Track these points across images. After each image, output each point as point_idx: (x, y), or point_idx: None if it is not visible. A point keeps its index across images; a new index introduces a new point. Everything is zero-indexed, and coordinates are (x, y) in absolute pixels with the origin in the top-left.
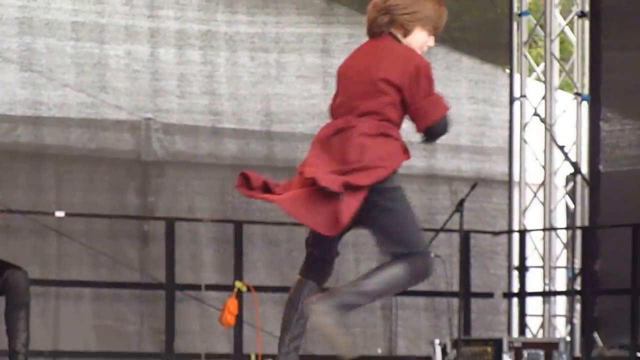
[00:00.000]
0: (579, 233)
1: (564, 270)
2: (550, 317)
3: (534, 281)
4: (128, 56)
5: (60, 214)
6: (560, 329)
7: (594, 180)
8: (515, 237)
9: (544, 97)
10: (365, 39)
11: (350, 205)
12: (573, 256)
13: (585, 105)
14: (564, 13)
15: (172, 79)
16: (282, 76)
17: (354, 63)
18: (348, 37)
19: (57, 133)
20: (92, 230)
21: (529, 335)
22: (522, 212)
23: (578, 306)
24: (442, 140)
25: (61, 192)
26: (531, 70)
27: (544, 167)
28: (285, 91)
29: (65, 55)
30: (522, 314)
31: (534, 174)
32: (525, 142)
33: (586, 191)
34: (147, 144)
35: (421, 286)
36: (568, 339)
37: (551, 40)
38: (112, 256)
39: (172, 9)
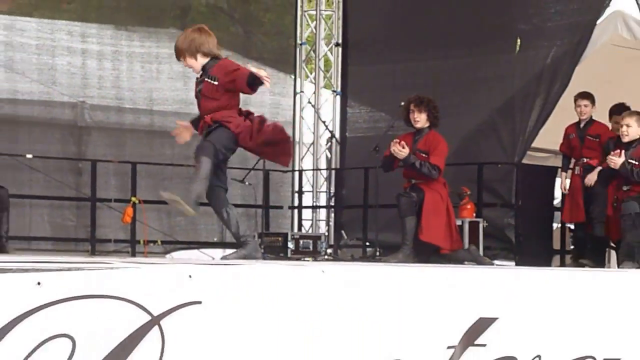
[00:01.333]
0: (333, 172)
1: (324, 194)
2: (316, 221)
3: (307, 199)
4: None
5: (29, 155)
6: (322, 228)
7: (343, 142)
8: (296, 174)
9: (314, 92)
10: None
11: None
12: (329, 185)
13: (338, 98)
14: (327, 43)
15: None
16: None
17: None
18: None
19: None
20: (49, 165)
21: (303, 231)
22: (301, 159)
23: (332, 215)
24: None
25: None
26: (307, 77)
27: (314, 133)
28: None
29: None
30: (300, 219)
31: (308, 137)
32: (302, 118)
33: (338, 148)
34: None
35: (241, 201)
36: (326, 234)
37: (319, 59)
38: (60, 181)
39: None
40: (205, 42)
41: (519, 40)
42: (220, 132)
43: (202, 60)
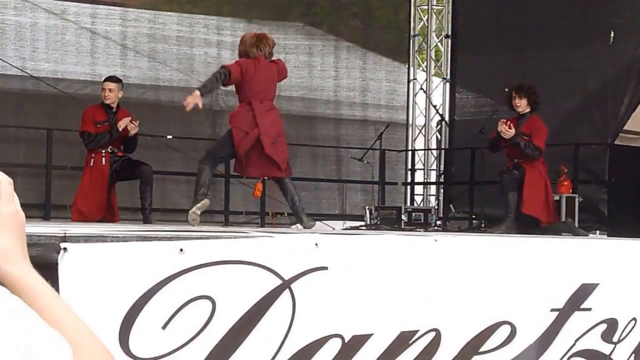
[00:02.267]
0: (442, 152)
1: (434, 171)
2: (427, 196)
3: (419, 176)
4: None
5: (169, 136)
6: (432, 202)
7: (451, 124)
8: (409, 154)
9: (426, 80)
10: None
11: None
12: (439, 163)
13: (447, 85)
14: (437, 35)
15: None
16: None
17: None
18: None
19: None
20: (186, 145)
21: (415, 205)
22: (413, 140)
23: (442, 190)
24: (373, 100)
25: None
26: (419, 65)
27: (425, 117)
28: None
29: None
30: (413, 194)
31: (420, 120)
32: (415, 103)
33: (447, 130)
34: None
35: (359, 177)
36: (436, 207)
37: (430, 50)
38: (197, 159)
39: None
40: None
41: (612, 33)
42: None
43: None
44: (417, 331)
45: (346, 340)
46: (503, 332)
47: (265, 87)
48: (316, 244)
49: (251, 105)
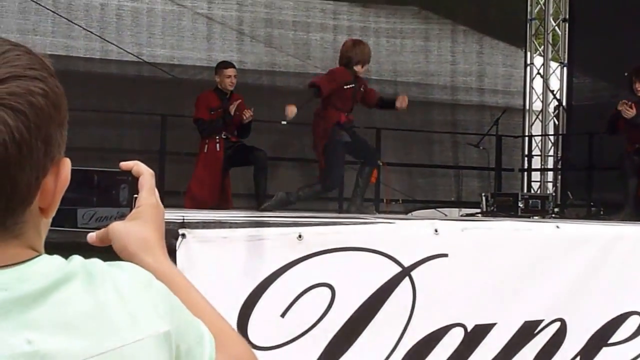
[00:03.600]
0: (560, 138)
1: (552, 157)
2: (544, 183)
3: (536, 162)
4: None
5: (284, 122)
6: (550, 189)
7: (569, 109)
8: (526, 140)
9: (543, 64)
10: None
11: None
12: (556, 149)
13: (565, 69)
14: (555, 19)
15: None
16: (403, 52)
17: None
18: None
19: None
20: (300, 130)
21: (532, 192)
22: (530, 126)
23: (559, 177)
24: (489, 85)
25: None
26: (536, 50)
27: (542, 102)
28: (404, 59)
29: None
30: (529, 181)
31: (537, 106)
32: (532, 88)
33: (565, 115)
34: None
35: (475, 163)
36: (553, 194)
37: (547, 34)
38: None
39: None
40: None
41: None
42: None
43: None
44: (541, 321)
45: (469, 330)
46: (632, 323)
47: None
48: (436, 231)
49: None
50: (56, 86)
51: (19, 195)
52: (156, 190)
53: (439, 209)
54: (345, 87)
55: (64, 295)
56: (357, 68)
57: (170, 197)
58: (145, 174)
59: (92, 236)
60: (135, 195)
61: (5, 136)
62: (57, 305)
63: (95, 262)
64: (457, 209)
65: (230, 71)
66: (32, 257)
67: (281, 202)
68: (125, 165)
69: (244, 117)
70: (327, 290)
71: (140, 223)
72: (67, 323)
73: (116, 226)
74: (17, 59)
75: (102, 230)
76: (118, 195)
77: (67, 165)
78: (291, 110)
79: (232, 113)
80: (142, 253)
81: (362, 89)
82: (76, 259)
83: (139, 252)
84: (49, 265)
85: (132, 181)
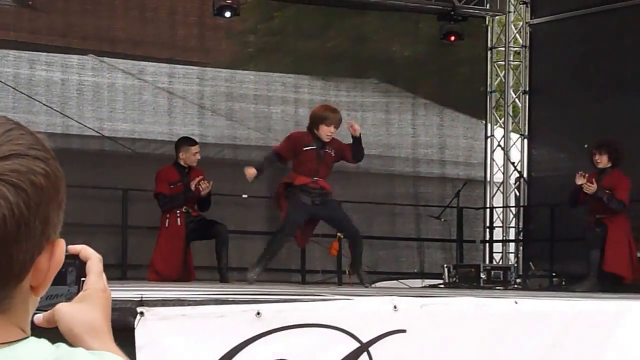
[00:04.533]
0: (521, 209)
1: (513, 229)
2: (506, 254)
3: (498, 234)
4: None
5: (245, 195)
6: (512, 260)
7: (530, 181)
8: (487, 211)
9: (503, 136)
10: None
11: None
12: (518, 220)
13: (526, 141)
14: (515, 91)
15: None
16: (364, 124)
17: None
18: None
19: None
20: (262, 203)
21: (494, 263)
22: (492, 197)
23: (521, 248)
24: (450, 157)
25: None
26: (497, 122)
27: (503, 173)
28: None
29: None
30: (491, 252)
31: (498, 177)
32: (493, 159)
33: (526, 186)
34: None
35: (438, 235)
36: (515, 265)
37: (508, 106)
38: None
39: None
40: None
41: None
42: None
43: None
44: None
45: None
46: None
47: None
48: (395, 307)
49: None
50: (57, 168)
51: (13, 272)
52: (104, 275)
53: (401, 281)
54: (304, 149)
55: None
56: (323, 128)
57: (132, 270)
58: (93, 258)
59: (38, 317)
60: (83, 279)
61: (5, 211)
62: None
63: (79, 352)
64: (419, 280)
65: (196, 148)
66: (20, 339)
67: (260, 266)
68: (72, 248)
69: (201, 190)
70: None
71: (87, 306)
72: None
73: (63, 308)
74: (20, 138)
75: (49, 312)
76: (65, 278)
77: (61, 245)
78: (250, 172)
79: (193, 188)
80: (89, 337)
81: (330, 150)
82: (63, 347)
83: (84, 336)
84: (38, 350)
85: (80, 265)
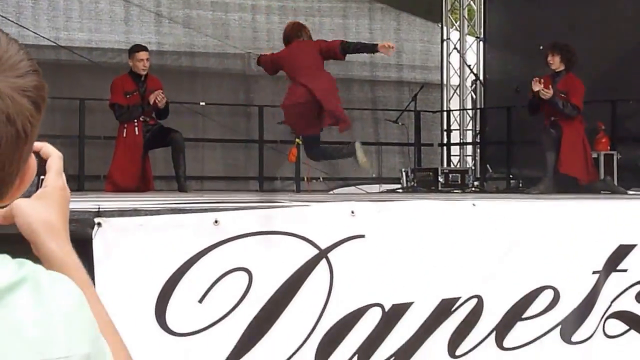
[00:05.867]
0: (478, 112)
1: (470, 132)
2: (464, 157)
3: (455, 137)
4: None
5: (202, 103)
6: (469, 163)
7: (486, 83)
8: (444, 114)
9: (459, 39)
10: None
11: None
12: (475, 123)
13: (482, 44)
14: None
15: (264, 31)
16: (322, 30)
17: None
18: None
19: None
20: (221, 111)
21: (452, 166)
22: (448, 100)
23: (478, 151)
24: (407, 61)
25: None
26: (452, 25)
27: (460, 77)
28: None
29: None
30: (449, 155)
31: (454, 80)
32: (449, 63)
33: (482, 89)
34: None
35: (396, 139)
36: (473, 168)
37: (463, 9)
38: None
39: None
40: None
41: None
42: None
43: None
44: (458, 298)
45: (386, 309)
46: (546, 297)
47: (307, 64)
48: (352, 212)
49: (297, 81)
50: None
51: (11, 180)
52: (63, 174)
53: (359, 186)
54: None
55: (12, 301)
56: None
57: (90, 181)
58: (53, 155)
59: None
60: (42, 177)
61: (27, 127)
62: (3, 309)
63: (41, 270)
64: (377, 185)
65: (142, 54)
66: None
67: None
68: (34, 146)
69: (158, 102)
70: (244, 275)
71: (46, 204)
72: (11, 329)
73: (21, 203)
74: (25, 53)
75: (6, 208)
76: None
77: (34, 160)
78: None
79: (151, 102)
80: (46, 236)
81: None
82: (27, 264)
83: (42, 234)
84: (3, 267)
85: (40, 163)
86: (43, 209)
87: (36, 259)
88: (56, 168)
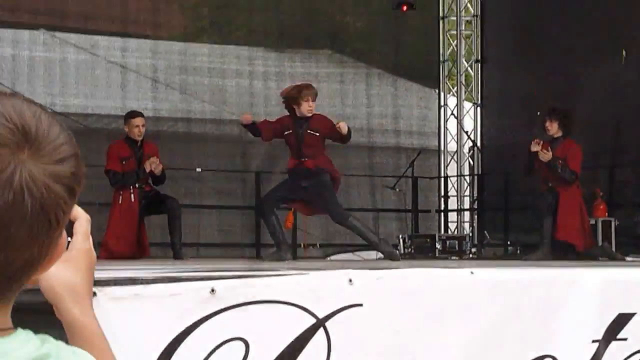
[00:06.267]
0: (475, 178)
1: (468, 198)
2: (461, 223)
3: (452, 203)
4: None
5: (198, 169)
6: (467, 230)
7: (483, 149)
8: (442, 180)
9: (456, 105)
10: None
11: None
12: (472, 189)
13: (479, 109)
14: (467, 60)
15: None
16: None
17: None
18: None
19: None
20: (218, 177)
21: (449, 232)
22: (446, 166)
23: (476, 217)
24: (405, 127)
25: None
26: (449, 91)
27: (457, 142)
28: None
29: None
30: (446, 221)
31: (452, 146)
32: (447, 129)
33: (479, 155)
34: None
35: (393, 206)
36: (470, 234)
37: (460, 75)
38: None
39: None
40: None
41: (624, 52)
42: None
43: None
44: None
45: None
46: None
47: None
48: (350, 280)
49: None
50: None
51: (39, 259)
52: (90, 237)
53: (356, 253)
54: (285, 133)
55: None
56: (302, 104)
57: None
58: (81, 218)
59: None
60: (69, 239)
61: (61, 212)
62: None
63: (63, 347)
64: (374, 252)
65: (137, 120)
66: (8, 327)
67: (278, 248)
68: None
69: (154, 169)
70: (241, 345)
71: (72, 267)
72: None
73: None
74: (68, 135)
75: None
76: None
77: (64, 238)
78: (246, 117)
79: (147, 170)
80: (70, 300)
81: (314, 131)
82: (50, 341)
83: (66, 298)
84: (27, 343)
85: (67, 224)
86: (68, 273)
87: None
88: (83, 231)
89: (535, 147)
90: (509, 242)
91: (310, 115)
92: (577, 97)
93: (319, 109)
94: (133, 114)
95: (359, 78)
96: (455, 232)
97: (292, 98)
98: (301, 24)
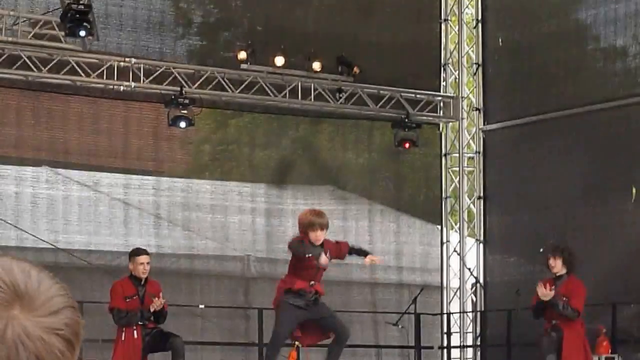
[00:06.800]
0: (478, 314)
1: (471, 334)
2: (465, 358)
3: (455, 339)
4: None
5: (201, 306)
6: None
7: (486, 286)
8: (444, 317)
9: (459, 242)
10: None
11: None
12: (475, 326)
13: (481, 246)
14: (469, 196)
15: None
16: None
17: None
18: None
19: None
20: (221, 313)
21: None
22: (448, 303)
23: (479, 353)
24: (407, 263)
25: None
26: (452, 227)
27: (460, 279)
28: None
29: None
30: (449, 358)
31: (454, 283)
32: (449, 265)
33: (482, 292)
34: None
35: (395, 342)
36: None
37: (462, 211)
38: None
39: None
40: None
41: (634, 190)
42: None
43: None
44: None
45: None
46: None
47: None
48: None
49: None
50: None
51: None
52: None
53: None
54: (306, 256)
55: None
56: (311, 234)
57: None
58: None
59: None
60: None
61: None
62: None
63: None
64: None
65: (143, 258)
66: None
67: None
68: None
69: (157, 308)
70: None
71: None
72: None
73: None
74: (60, 288)
75: None
76: None
77: None
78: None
79: (152, 310)
80: None
81: (328, 256)
82: None
83: None
84: None
85: None
86: None
87: None
88: None
89: (541, 291)
90: None
91: (318, 244)
92: (579, 234)
93: None
94: (138, 252)
95: (361, 214)
96: None
97: (304, 224)
98: (303, 160)
